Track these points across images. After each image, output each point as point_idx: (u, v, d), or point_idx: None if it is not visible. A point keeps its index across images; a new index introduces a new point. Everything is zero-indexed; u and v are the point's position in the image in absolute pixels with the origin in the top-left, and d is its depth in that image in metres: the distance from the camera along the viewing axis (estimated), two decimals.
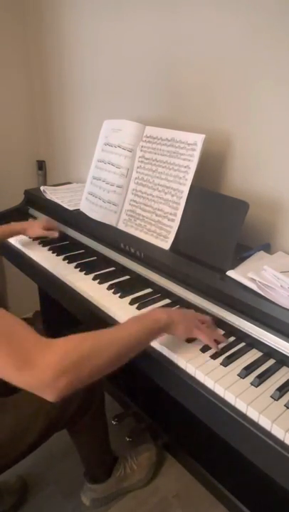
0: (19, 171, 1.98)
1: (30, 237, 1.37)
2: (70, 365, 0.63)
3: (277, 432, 0.65)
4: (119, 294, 1.03)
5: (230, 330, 0.89)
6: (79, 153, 1.79)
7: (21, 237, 1.41)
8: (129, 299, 1.01)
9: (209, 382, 0.75)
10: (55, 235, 1.31)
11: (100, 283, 1.10)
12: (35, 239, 1.38)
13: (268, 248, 1.08)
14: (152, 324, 0.77)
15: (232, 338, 0.88)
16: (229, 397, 0.72)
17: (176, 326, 0.80)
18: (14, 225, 1.37)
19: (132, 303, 1.00)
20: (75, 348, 0.65)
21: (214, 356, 0.81)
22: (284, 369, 0.79)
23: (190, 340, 0.86)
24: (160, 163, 1.12)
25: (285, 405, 0.69)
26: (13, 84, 1.84)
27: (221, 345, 0.83)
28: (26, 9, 1.74)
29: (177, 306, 0.99)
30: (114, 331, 0.73)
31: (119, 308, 0.98)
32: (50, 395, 0.63)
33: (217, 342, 0.83)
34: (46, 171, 2.03)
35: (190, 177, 1.05)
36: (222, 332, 0.90)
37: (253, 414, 0.68)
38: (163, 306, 0.99)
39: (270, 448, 0.64)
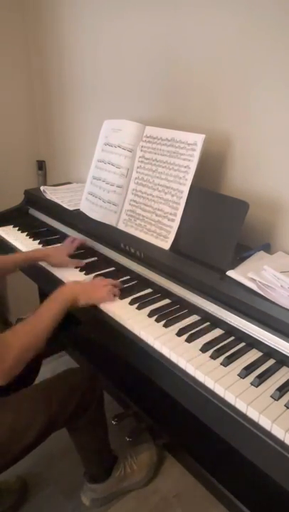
0: (19, 171, 1.98)
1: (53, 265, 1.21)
2: (21, 356, 0.84)
3: (277, 432, 0.65)
4: (119, 294, 1.03)
5: (230, 330, 0.89)
6: (79, 153, 1.79)
7: (21, 236, 1.42)
8: (129, 299, 1.01)
9: (209, 382, 0.75)
10: (82, 264, 1.20)
11: None
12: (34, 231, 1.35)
13: (268, 248, 1.08)
14: (63, 304, 0.95)
15: (232, 338, 0.88)
16: (229, 397, 0.72)
17: (80, 298, 0.98)
18: (36, 252, 1.25)
19: (132, 303, 1.00)
20: (22, 343, 0.86)
21: (214, 356, 0.81)
22: (284, 369, 0.79)
23: (190, 340, 0.86)
24: (160, 163, 1.12)
25: (285, 405, 0.69)
26: (14, 84, 1.83)
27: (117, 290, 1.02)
28: (26, 9, 1.74)
29: (177, 306, 0.99)
30: (39, 318, 0.92)
31: (119, 308, 0.98)
32: (3, 381, 0.82)
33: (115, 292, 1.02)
34: (46, 171, 2.03)
35: (190, 177, 1.05)
36: (217, 334, 0.89)
37: (253, 414, 0.68)
38: (163, 306, 0.99)
39: (270, 448, 0.64)
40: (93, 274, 1.13)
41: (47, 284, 1.23)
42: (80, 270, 1.17)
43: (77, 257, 1.25)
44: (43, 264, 1.23)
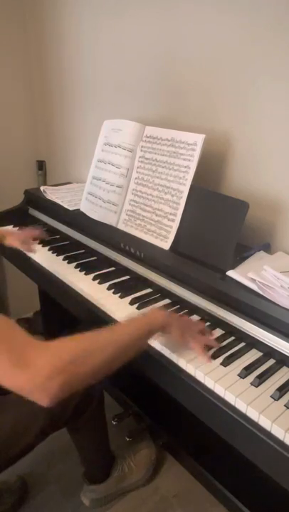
0: (19, 171, 1.98)
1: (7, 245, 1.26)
2: (64, 367, 0.62)
3: (277, 432, 0.65)
4: (119, 294, 1.03)
5: (230, 330, 0.89)
6: (79, 153, 1.79)
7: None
8: (129, 299, 1.01)
9: (209, 382, 0.75)
10: (32, 251, 1.23)
11: (100, 283, 1.10)
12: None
13: (268, 248, 1.08)
14: (149, 324, 0.77)
15: (232, 338, 0.88)
16: (229, 397, 0.72)
17: (172, 328, 0.80)
18: None
19: (132, 303, 1.00)
20: (69, 350, 0.65)
21: (214, 356, 0.81)
22: (284, 369, 0.79)
23: None
24: (160, 163, 1.12)
25: (285, 405, 0.69)
26: (14, 84, 1.83)
27: (210, 352, 0.82)
28: (27, 9, 1.74)
29: (177, 306, 0.99)
30: (110, 332, 0.72)
31: (119, 308, 0.98)
32: (43, 398, 0.61)
33: (209, 347, 0.83)
34: (46, 171, 2.03)
35: (190, 177, 1.05)
36: (217, 334, 0.89)
37: (253, 414, 0.68)
38: (163, 306, 0.99)
39: (270, 448, 0.64)
40: (93, 274, 1.13)
41: (47, 284, 1.23)
42: (80, 270, 1.16)
43: (77, 257, 1.25)
44: (43, 264, 1.23)
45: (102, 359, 0.67)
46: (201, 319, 0.94)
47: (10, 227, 1.48)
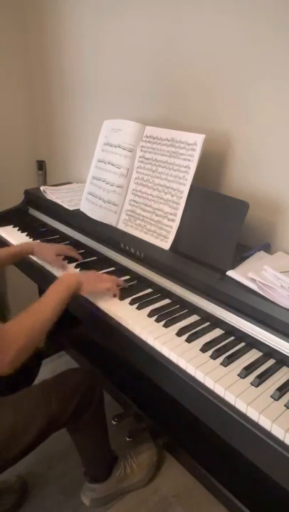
0: (19, 171, 1.98)
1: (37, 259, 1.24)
2: (24, 344, 0.81)
3: (277, 432, 0.65)
4: (119, 295, 1.03)
5: (231, 330, 0.89)
6: (79, 153, 1.79)
7: (21, 236, 1.41)
8: (129, 299, 1.01)
9: (209, 382, 0.75)
10: (65, 267, 1.18)
11: None
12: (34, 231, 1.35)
13: (268, 248, 1.08)
14: (68, 290, 0.94)
15: (232, 338, 0.88)
16: (229, 397, 0.72)
17: (84, 286, 0.98)
18: (22, 246, 1.23)
19: (132, 303, 1.00)
20: (22, 332, 0.82)
21: (214, 356, 0.81)
22: (284, 369, 0.79)
23: (190, 340, 0.86)
24: (160, 163, 1.12)
25: (285, 405, 0.69)
26: (14, 84, 1.84)
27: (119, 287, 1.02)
28: (26, 8, 1.74)
29: (177, 306, 0.99)
30: (42, 305, 0.90)
31: (119, 308, 0.98)
32: (9, 370, 0.80)
33: (119, 285, 1.03)
34: (46, 171, 2.04)
35: (190, 177, 1.05)
36: (217, 334, 0.89)
37: (252, 414, 0.68)
38: (163, 306, 0.99)
39: (270, 448, 0.64)
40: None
41: (47, 284, 1.23)
42: (80, 270, 1.16)
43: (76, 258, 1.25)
44: (42, 264, 1.23)
45: (43, 327, 0.87)
46: (200, 319, 0.94)
47: (34, 241, 1.35)
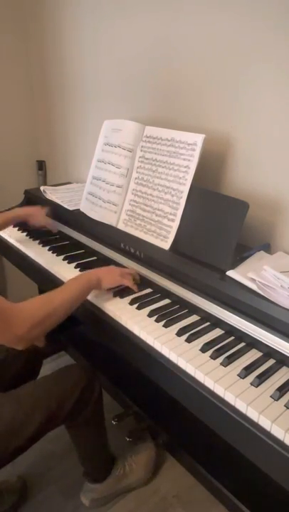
0: (19, 171, 1.98)
1: (32, 226, 1.39)
2: (36, 323, 0.84)
3: (277, 432, 0.65)
4: (119, 294, 1.03)
5: (230, 330, 0.89)
6: (79, 153, 1.79)
7: (21, 236, 1.41)
8: (129, 299, 1.01)
9: (209, 382, 0.75)
10: (55, 229, 1.36)
11: None
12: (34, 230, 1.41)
13: (268, 248, 1.08)
14: (88, 283, 0.98)
15: (232, 338, 0.88)
16: (229, 397, 0.72)
17: (104, 281, 1.00)
18: (17, 211, 1.39)
19: (132, 303, 1.00)
20: (37, 311, 0.86)
21: (214, 356, 0.81)
22: (284, 369, 0.79)
23: (190, 341, 0.86)
24: (160, 163, 1.12)
25: (285, 405, 0.69)
26: (14, 84, 1.84)
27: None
28: (27, 10, 1.74)
29: (177, 306, 0.99)
30: (62, 292, 0.93)
31: (119, 308, 0.98)
32: (21, 346, 0.84)
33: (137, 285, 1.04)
34: (46, 171, 2.04)
35: (190, 177, 1.05)
36: (217, 334, 0.90)
37: (252, 414, 0.68)
38: (163, 306, 0.99)
39: (270, 448, 0.64)
40: None
41: (47, 284, 1.23)
42: (80, 270, 1.16)
43: (77, 257, 1.25)
44: (43, 263, 1.23)
45: (59, 313, 0.90)
46: (200, 319, 0.94)
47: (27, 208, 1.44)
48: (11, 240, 1.40)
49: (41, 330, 0.86)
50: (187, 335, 0.87)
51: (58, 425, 1.03)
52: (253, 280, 0.88)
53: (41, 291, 1.87)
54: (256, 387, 0.73)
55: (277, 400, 0.70)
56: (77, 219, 1.35)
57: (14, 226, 1.50)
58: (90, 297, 1.05)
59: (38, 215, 1.36)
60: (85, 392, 1.05)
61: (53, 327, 0.90)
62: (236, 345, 0.86)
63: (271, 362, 0.81)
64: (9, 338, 0.83)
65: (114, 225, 1.23)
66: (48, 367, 1.77)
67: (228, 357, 0.80)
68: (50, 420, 0.97)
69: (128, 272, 1.07)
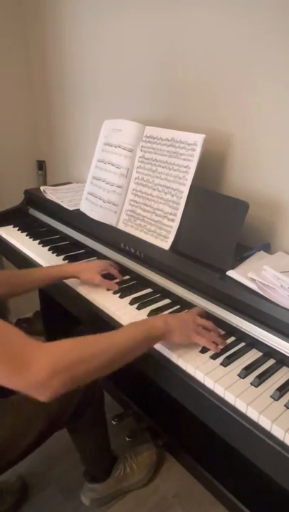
0: (19, 171, 1.98)
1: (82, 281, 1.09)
2: (63, 367, 0.65)
3: (277, 432, 0.65)
4: (119, 294, 1.03)
5: (230, 330, 0.89)
6: (79, 153, 1.79)
7: (21, 237, 1.41)
8: (129, 298, 1.01)
9: (209, 382, 0.75)
10: (114, 287, 1.06)
11: None
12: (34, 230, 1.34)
13: (268, 248, 1.08)
14: (149, 332, 0.78)
15: (232, 338, 0.88)
16: (229, 397, 0.72)
17: (174, 334, 0.81)
18: (66, 266, 1.12)
19: (132, 303, 1.00)
20: (67, 351, 0.67)
21: (214, 356, 0.81)
22: (284, 369, 0.79)
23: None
24: (160, 163, 1.12)
25: (285, 405, 0.69)
26: (14, 84, 1.83)
27: (220, 347, 0.83)
28: (27, 9, 1.74)
29: (178, 307, 0.99)
30: (109, 337, 0.74)
31: (119, 308, 0.98)
32: (43, 396, 0.64)
33: (216, 344, 0.83)
34: (46, 171, 2.03)
35: (190, 177, 1.05)
36: (222, 332, 0.89)
37: (252, 414, 0.68)
38: (163, 306, 0.99)
39: (270, 448, 0.64)
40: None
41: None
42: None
43: (77, 257, 1.25)
44: (43, 264, 1.23)
45: (99, 362, 0.70)
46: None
47: (76, 263, 1.17)
48: (11, 240, 1.40)
49: (71, 378, 0.65)
50: None
51: (59, 429, 1.02)
52: (253, 280, 0.88)
53: (41, 292, 1.87)
54: (256, 387, 0.73)
55: (277, 400, 0.70)
56: (77, 219, 1.35)
57: (14, 226, 1.50)
58: (90, 297, 1.05)
59: (90, 272, 1.07)
60: (86, 395, 1.05)
61: (92, 379, 0.70)
62: (236, 345, 0.86)
63: (271, 362, 0.81)
64: (25, 383, 0.63)
65: (114, 225, 1.23)
66: None
67: (228, 357, 0.80)
68: (52, 425, 0.97)
69: (203, 324, 0.86)
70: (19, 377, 0.63)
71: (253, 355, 0.83)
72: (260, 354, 0.83)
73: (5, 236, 1.44)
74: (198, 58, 1.15)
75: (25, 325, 2.13)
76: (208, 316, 0.94)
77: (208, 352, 0.83)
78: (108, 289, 1.06)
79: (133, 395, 1.55)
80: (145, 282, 1.09)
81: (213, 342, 0.83)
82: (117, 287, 1.06)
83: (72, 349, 0.68)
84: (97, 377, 0.70)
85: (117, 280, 1.10)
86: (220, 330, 0.89)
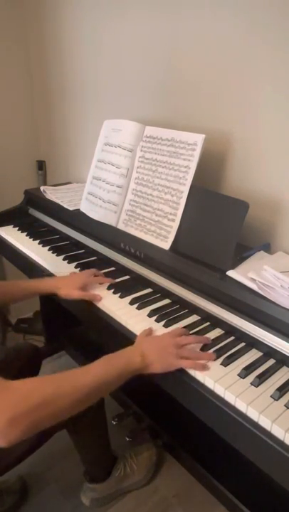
0: (19, 171, 1.98)
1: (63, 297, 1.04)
2: (25, 412, 0.59)
3: (277, 432, 0.65)
4: (119, 294, 1.03)
5: (230, 330, 0.89)
6: (79, 153, 1.79)
7: (21, 236, 1.42)
8: (129, 298, 1.01)
9: (209, 382, 0.75)
10: (98, 300, 1.01)
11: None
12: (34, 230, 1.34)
13: (268, 248, 1.08)
14: (124, 369, 0.74)
15: (232, 338, 0.88)
16: (229, 397, 0.72)
17: (153, 366, 0.76)
18: (44, 281, 1.08)
19: (132, 303, 1.00)
20: (32, 392, 0.62)
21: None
22: (284, 369, 0.79)
23: None
24: (160, 163, 1.12)
25: (285, 405, 0.69)
26: (14, 84, 1.83)
27: (209, 364, 0.78)
28: (27, 9, 1.74)
29: (177, 306, 0.99)
30: (79, 375, 0.70)
31: (119, 308, 0.98)
32: (2, 442, 0.59)
33: (204, 360, 0.78)
34: (46, 171, 2.03)
35: (190, 177, 1.05)
36: (217, 334, 0.89)
37: (253, 414, 0.68)
38: (163, 306, 0.99)
39: (270, 448, 0.64)
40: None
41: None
42: (80, 270, 1.16)
43: (77, 257, 1.25)
44: (43, 264, 1.23)
45: (67, 404, 0.65)
46: (200, 319, 0.94)
47: (66, 274, 1.13)
48: (11, 240, 1.40)
49: (32, 423, 0.60)
50: None
51: (59, 430, 1.02)
52: (253, 280, 0.88)
53: None
54: (256, 387, 0.73)
55: (277, 400, 0.70)
56: (77, 219, 1.35)
57: (14, 226, 1.50)
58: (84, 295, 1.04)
59: (68, 287, 1.02)
60: None
61: (57, 421, 0.65)
62: (236, 345, 0.86)
63: (271, 362, 0.81)
64: None
65: (114, 225, 1.23)
66: (48, 367, 1.77)
67: (228, 357, 0.80)
68: (52, 426, 0.97)
69: (185, 342, 0.79)
70: None
71: (253, 355, 0.83)
72: (260, 354, 0.83)
73: (5, 236, 1.44)
74: (198, 58, 1.15)
75: (25, 325, 2.13)
76: (208, 316, 0.94)
77: (209, 351, 0.82)
78: (105, 285, 1.06)
79: (133, 394, 1.54)
80: (145, 282, 1.09)
81: (201, 357, 0.78)
82: (100, 299, 1.00)
83: (37, 392, 0.63)
84: (62, 418, 0.66)
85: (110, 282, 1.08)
86: (207, 336, 0.86)
